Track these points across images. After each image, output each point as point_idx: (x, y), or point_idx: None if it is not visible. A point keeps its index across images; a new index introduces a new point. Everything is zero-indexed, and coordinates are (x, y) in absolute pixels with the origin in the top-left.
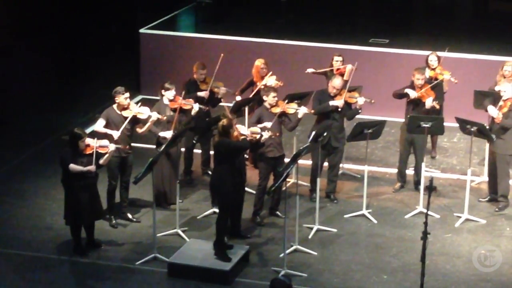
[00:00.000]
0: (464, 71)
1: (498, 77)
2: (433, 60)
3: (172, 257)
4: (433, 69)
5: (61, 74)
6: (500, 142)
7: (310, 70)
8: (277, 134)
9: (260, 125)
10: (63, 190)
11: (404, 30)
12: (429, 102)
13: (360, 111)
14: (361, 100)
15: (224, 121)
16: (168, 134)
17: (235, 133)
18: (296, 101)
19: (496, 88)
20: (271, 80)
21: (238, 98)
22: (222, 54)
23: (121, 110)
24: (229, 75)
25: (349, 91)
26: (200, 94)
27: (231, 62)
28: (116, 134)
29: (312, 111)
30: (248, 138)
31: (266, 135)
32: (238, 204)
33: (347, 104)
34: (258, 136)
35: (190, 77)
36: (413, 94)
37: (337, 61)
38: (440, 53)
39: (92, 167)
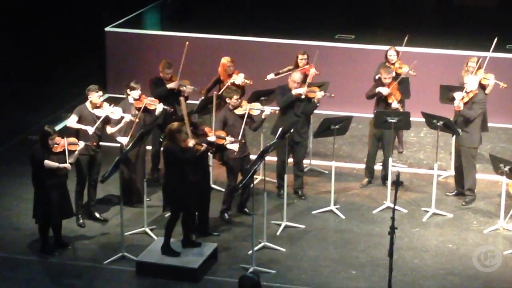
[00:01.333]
0: (430, 66)
1: (462, 73)
2: (392, 55)
3: (140, 255)
4: (393, 64)
5: (26, 74)
6: (465, 136)
7: (270, 76)
8: (242, 141)
9: (228, 143)
10: (29, 190)
11: (369, 25)
12: (394, 105)
13: (318, 104)
14: (319, 94)
15: (173, 125)
16: (124, 140)
17: (184, 142)
18: (263, 98)
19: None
20: (239, 78)
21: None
22: (187, 42)
23: (94, 108)
24: (195, 72)
25: (311, 86)
26: (170, 86)
27: (197, 59)
28: (90, 129)
29: (276, 112)
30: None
31: (229, 140)
32: (205, 202)
33: (307, 99)
34: (223, 141)
35: (156, 75)
36: (385, 91)
37: (302, 59)
38: (398, 48)
39: (68, 165)
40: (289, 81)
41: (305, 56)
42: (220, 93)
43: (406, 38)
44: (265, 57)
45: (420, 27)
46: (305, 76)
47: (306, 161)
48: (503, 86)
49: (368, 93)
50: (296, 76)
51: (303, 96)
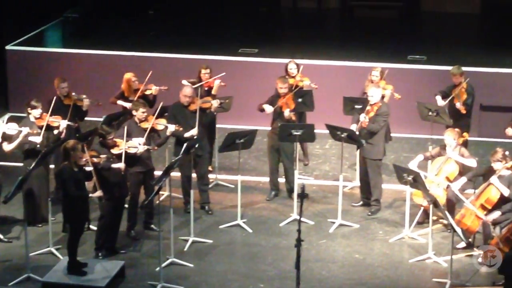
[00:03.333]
0: (333, 78)
1: (366, 83)
2: (292, 68)
3: (46, 276)
4: (293, 77)
5: None
6: (369, 147)
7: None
8: (155, 148)
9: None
10: None
11: (273, 39)
12: (286, 113)
13: (215, 113)
14: (215, 103)
15: (68, 142)
16: (37, 139)
17: (80, 160)
18: (167, 114)
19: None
20: (153, 88)
21: (122, 103)
22: (73, 93)
23: None
24: (99, 90)
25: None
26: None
27: (101, 77)
28: None
29: (180, 129)
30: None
31: (141, 148)
32: (116, 219)
33: (202, 110)
34: (134, 150)
35: (54, 94)
36: (269, 109)
37: (204, 73)
38: (298, 61)
39: None
40: (181, 95)
41: (208, 70)
42: (124, 111)
43: (301, 69)
44: (169, 73)
45: (323, 40)
46: (210, 89)
47: (211, 176)
48: (397, 97)
49: (258, 107)
50: (187, 90)
51: (195, 137)
